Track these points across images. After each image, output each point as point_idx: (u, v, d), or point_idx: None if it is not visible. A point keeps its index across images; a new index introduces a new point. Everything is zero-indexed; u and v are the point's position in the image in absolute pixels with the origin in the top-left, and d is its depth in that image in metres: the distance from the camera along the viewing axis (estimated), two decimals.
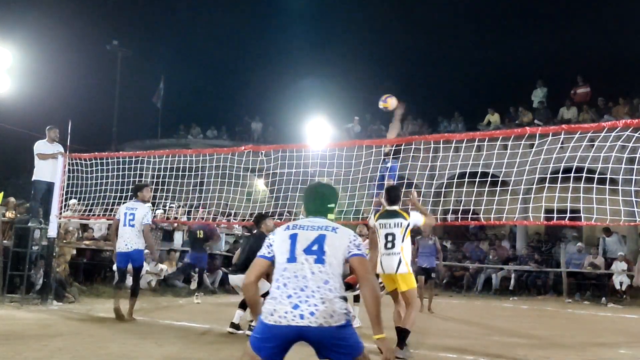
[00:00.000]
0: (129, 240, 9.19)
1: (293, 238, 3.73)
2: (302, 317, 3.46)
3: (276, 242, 3.81)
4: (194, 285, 13.42)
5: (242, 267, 8.14)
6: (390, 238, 6.99)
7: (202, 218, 11.34)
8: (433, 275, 12.48)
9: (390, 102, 8.79)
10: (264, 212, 9.58)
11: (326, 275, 3.58)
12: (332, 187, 4.24)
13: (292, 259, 3.65)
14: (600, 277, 16.88)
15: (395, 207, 7.20)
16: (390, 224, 7.05)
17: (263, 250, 3.87)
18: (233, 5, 36.65)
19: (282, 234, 3.82)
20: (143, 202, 9.40)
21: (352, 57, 33.88)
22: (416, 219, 7.14)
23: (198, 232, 12.55)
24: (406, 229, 7.01)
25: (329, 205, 4.02)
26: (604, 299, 16.13)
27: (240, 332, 8.24)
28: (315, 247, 3.66)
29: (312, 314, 3.46)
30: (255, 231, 8.81)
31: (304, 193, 4.12)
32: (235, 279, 8.43)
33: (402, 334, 6.86)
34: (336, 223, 3.92)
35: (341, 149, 10.17)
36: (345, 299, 3.63)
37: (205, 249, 12.40)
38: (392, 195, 7.30)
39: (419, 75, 32.47)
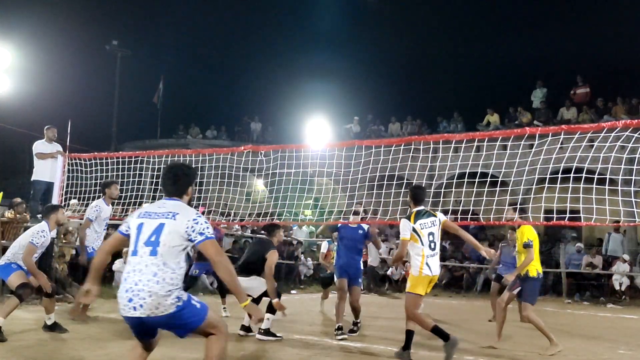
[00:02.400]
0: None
1: (139, 229, 4.02)
2: (134, 309, 3.85)
3: (131, 224, 4.12)
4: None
5: (242, 270, 8.13)
6: (431, 238, 6.89)
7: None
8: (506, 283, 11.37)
9: None
10: (274, 221, 9.43)
11: (156, 267, 3.88)
12: (189, 167, 4.40)
13: (134, 252, 3.99)
14: (599, 277, 16.88)
15: (424, 207, 7.11)
16: (428, 223, 6.92)
17: (122, 227, 4.17)
18: (232, 6, 36.65)
19: (135, 221, 4.10)
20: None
21: (351, 58, 33.90)
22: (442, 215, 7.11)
23: None
24: (439, 226, 6.97)
25: (181, 186, 4.23)
26: (603, 299, 16.14)
27: (250, 334, 8.22)
28: (153, 238, 3.93)
29: (141, 306, 3.83)
30: (264, 237, 8.71)
31: (161, 173, 4.32)
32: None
33: (409, 335, 6.86)
34: (184, 205, 4.16)
35: (340, 149, 10.16)
36: (175, 289, 3.92)
37: None
38: (421, 195, 7.17)
39: (418, 76, 32.48)
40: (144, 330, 4.01)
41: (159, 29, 35.99)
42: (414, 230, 6.88)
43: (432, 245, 6.88)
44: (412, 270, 6.90)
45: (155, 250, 3.90)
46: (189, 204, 4.27)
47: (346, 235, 8.74)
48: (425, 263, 6.83)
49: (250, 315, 4.17)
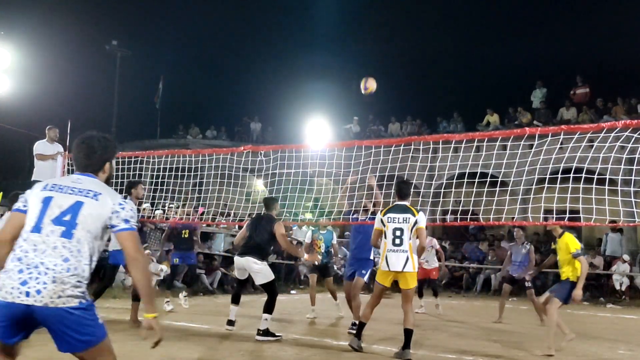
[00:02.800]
0: None
1: (46, 202, 3.31)
2: (27, 294, 3.09)
3: (30, 200, 3.38)
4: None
5: (250, 250, 8.15)
6: (398, 233, 6.92)
7: (182, 218, 11.19)
8: (529, 284, 10.99)
9: (371, 85, 8.79)
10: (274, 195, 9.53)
11: (68, 252, 3.19)
12: (106, 138, 3.68)
13: (36, 228, 3.25)
14: (599, 277, 16.89)
15: (406, 203, 7.17)
16: (399, 219, 6.98)
17: (18, 204, 3.42)
18: (232, 6, 36.66)
19: (38, 193, 3.37)
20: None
21: (351, 58, 33.92)
22: (423, 218, 7.11)
23: (183, 232, 12.34)
24: (414, 226, 6.95)
25: (97, 159, 3.56)
26: (602, 299, 16.14)
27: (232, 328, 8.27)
28: (67, 217, 3.26)
29: (38, 292, 3.09)
30: (263, 213, 8.63)
31: (73, 146, 3.64)
32: (242, 262, 8.21)
33: (407, 335, 6.86)
34: (103, 184, 3.50)
35: (340, 149, 10.16)
36: (83, 283, 3.23)
37: (193, 247, 12.13)
38: (404, 190, 7.26)
39: (418, 76, 32.49)
40: (23, 325, 3.21)
41: (158, 29, 36.02)
42: (382, 222, 7.08)
43: (397, 240, 6.92)
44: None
45: (70, 232, 3.22)
46: (107, 183, 3.62)
47: (362, 231, 8.78)
48: (384, 257, 6.99)
49: (150, 327, 3.37)
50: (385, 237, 7.03)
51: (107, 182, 3.61)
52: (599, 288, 16.86)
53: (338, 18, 34.45)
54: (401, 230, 6.92)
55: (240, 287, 8.89)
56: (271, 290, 8.13)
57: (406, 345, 6.83)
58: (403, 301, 7.02)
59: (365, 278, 8.82)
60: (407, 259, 6.86)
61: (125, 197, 3.53)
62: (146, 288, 3.38)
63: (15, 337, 3.24)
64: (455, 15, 34.61)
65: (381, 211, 7.22)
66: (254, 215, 8.76)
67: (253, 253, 8.10)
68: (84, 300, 3.19)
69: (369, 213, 8.65)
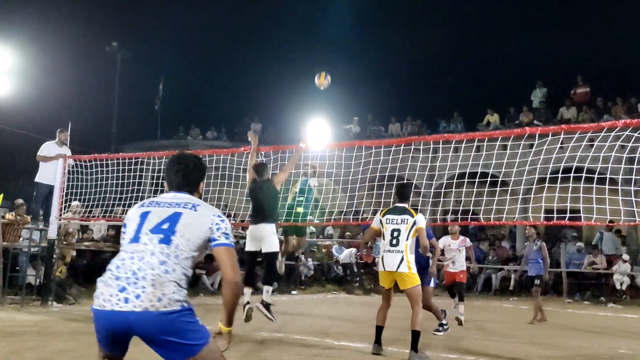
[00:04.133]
0: None
1: (143, 217, 3.27)
2: (127, 300, 2.95)
3: (130, 217, 3.35)
4: None
5: (262, 217, 8.10)
6: (395, 234, 6.98)
7: None
8: (537, 282, 11.31)
9: (324, 81, 8.77)
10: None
11: (166, 256, 3.10)
12: (199, 158, 3.68)
13: (135, 239, 3.20)
14: (600, 277, 16.89)
15: (405, 204, 7.23)
16: (397, 220, 7.04)
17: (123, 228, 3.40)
18: (232, 7, 36.67)
19: (137, 210, 3.36)
20: None
21: (351, 58, 33.91)
22: (422, 219, 7.15)
23: None
24: (412, 227, 6.99)
25: (193, 179, 3.54)
26: (603, 298, 16.15)
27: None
28: (165, 226, 3.20)
29: (137, 296, 2.95)
30: (259, 180, 8.56)
31: (166, 165, 3.64)
32: (257, 229, 8.11)
33: (414, 336, 6.86)
34: (210, 206, 3.43)
35: (340, 149, 10.16)
36: (183, 288, 3.12)
37: None
38: (403, 192, 7.34)
39: (418, 76, 32.50)
40: (123, 337, 3.10)
41: (158, 31, 35.98)
42: (380, 222, 7.15)
43: (394, 242, 6.97)
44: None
45: (168, 239, 3.15)
46: None
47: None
48: (381, 257, 7.11)
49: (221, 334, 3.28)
50: (384, 238, 7.08)
51: None
52: (599, 287, 16.85)
53: (338, 19, 34.45)
54: (398, 231, 6.97)
55: (252, 266, 8.63)
56: (273, 262, 8.30)
57: (413, 346, 6.82)
58: (410, 303, 7.03)
59: (432, 284, 8.98)
60: (402, 259, 6.89)
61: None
62: (233, 308, 3.27)
63: (114, 349, 3.14)
64: (455, 16, 34.63)
65: (381, 212, 7.25)
66: (251, 187, 8.55)
67: (266, 219, 8.13)
68: (185, 304, 3.06)
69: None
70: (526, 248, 11.69)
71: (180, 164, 3.53)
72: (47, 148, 11.68)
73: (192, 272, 3.26)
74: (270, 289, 8.20)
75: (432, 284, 8.95)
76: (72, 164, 11.50)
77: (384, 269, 7.00)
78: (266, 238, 8.14)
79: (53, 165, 11.40)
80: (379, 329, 7.13)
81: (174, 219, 3.22)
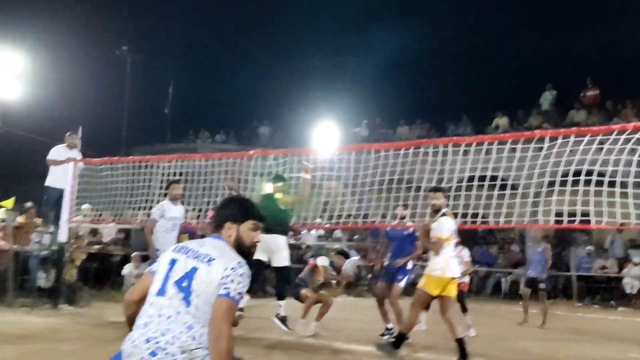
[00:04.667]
0: None
1: (171, 265, 3.23)
2: None
3: (162, 260, 3.34)
4: None
5: (275, 226, 7.92)
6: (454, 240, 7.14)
7: None
8: (542, 286, 11.35)
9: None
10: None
11: (192, 318, 3.07)
12: (251, 202, 3.63)
13: (161, 291, 3.17)
14: (610, 280, 16.79)
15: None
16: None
17: (153, 266, 3.39)
18: (241, 11, 36.76)
19: (168, 255, 3.33)
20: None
21: (360, 61, 33.91)
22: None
23: (181, 236, 12.36)
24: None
25: (220, 217, 3.44)
26: (613, 302, 16.05)
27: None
28: (185, 283, 3.14)
29: None
30: (263, 195, 8.57)
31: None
32: (268, 239, 7.92)
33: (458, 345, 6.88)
34: (226, 247, 3.33)
35: (349, 152, 10.15)
36: (206, 350, 3.08)
37: None
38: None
39: (426, 78, 32.47)
40: None
41: (168, 35, 36.14)
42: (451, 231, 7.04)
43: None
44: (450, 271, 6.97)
45: (188, 299, 3.11)
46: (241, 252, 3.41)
47: (394, 237, 8.84)
48: (449, 263, 7.01)
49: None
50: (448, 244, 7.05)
51: (242, 251, 3.40)
52: (609, 291, 16.75)
53: (346, 23, 34.50)
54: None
55: (257, 274, 8.33)
56: (287, 275, 8.28)
57: (462, 355, 6.83)
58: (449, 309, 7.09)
59: (402, 284, 8.79)
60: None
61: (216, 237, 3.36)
62: None
63: None
64: (464, 18, 34.57)
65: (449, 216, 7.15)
66: (257, 199, 8.55)
67: (279, 230, 8.13)
68: None
69: (398, 218, 8.76)
70: (529, 249, 11.66)
71: (233, 202, 3.55)
72: (57, 152, 11.74)
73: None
74: (284, 303, 8.25)
75: (402, 283, 8.76)
76: (81, 167, 11.55)
77: (453, 275, 6.97)
78: (277, 251, 8.15)
79: (63, 169, 11.44)
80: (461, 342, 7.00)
81: (190, 276, 3.16)
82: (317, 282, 9.50)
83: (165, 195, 9.43)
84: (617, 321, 12.82)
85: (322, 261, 9.70)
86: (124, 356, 3.11)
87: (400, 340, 7.09)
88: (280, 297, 8.36)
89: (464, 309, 10.13)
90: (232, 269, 3.16)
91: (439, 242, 6.87)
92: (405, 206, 8.86)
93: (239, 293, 3.15)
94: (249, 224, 3.44)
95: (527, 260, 11.59)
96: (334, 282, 9.73)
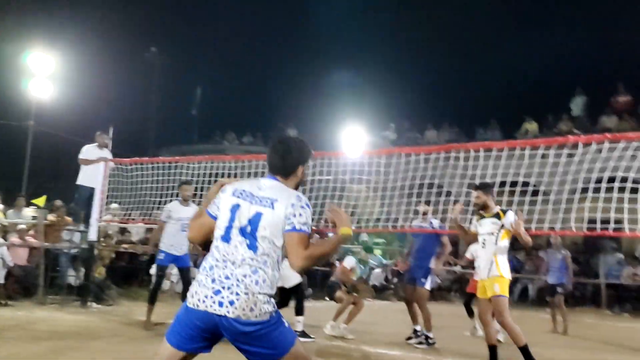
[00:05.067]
0: None
1: (234, 211, 3.26)
2: (221, 304, 3.08)
3: (222, 204, 3.35)
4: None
5: None
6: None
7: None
8: (560, 290, 11.30)
9: None
10: None
11: (257, 263, 3.15)
12: (303, 141, 3.59)
13: (226, 237, 3.23)
14: None
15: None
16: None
17: (211, 208, 3.39)
18: (270, 13, 36.94)
19: (228, 199, 3.33)
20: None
21: (387, 65, 33.83)
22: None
23: None
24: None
25: (293, 162, 3.44)
26: None
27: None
28: (249, 229, 3.20)
29: (231, 302, 3.07)
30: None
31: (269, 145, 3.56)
32: None
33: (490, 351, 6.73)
34: (283, 186, 3.35)
35: (378, 156, 10.13)
36: (273, 298, 3.20)
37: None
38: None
39: (454, 82, 32.25)
40: (211, 336, 3.19)
41: (197, 37, 36.40)
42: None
43: None
44: (504, 271, 6.66)
45: (254, 245, 3.17)
46: (297, 188, 3.46)
47: (416, 234, 8.87)
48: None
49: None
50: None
51: (297, 187, 3.47)
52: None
53: (374, 27, 34.45)
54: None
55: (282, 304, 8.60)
56: (302, 290, 8.54)
57: None
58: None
59: (427, 285, 8.75)
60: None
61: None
62: (321, 255, 3.29)
63: (199, 347, 3.21)
64: (492, 22, 34.27)
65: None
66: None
67: None
68: (274, 313, 3.17)
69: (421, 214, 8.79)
70: (548, 256, 11.55)
71: (281, 143, 3.50)
72: (88, 151, 11.88)
73: (280, 267, 3.28)
74: (302, 319, 8.53)
75: (427, 285, 8.69)
76: (112, 167, 11.68)
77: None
78: (285, 273, 8.22)
79: (95, 168, 11.58)
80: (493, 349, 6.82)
81: (255, 221, 3.21)
82: (350, 283, 9.54)
83: (177, 195, 9.43)
84: None
85: (349, 262, 9.72)
86: (189, 296, 3.19)
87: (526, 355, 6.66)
88: (298, 313, 8.60)
89: (470, 313, 10.20)
90: (292, 205, 3.21)
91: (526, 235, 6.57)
92: (428, 202, 8.82)
93: (304, 224, 3.20)
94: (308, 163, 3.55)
95: (548, 268, 11.42)
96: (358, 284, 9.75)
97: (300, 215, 3.21)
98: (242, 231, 3.21)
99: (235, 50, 37.17)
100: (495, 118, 23.54)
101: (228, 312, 3.06)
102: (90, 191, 11.53)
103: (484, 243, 6.75)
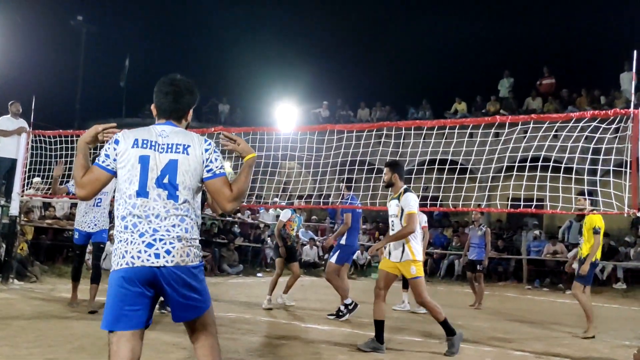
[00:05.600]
0: None
1: (144, 163, 3.10)
2: (157, 256, 3.01)
3: (124, 157, 3.13)
4: None
5: None
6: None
7: None
8: (479, 267, 11.59)
9: None
10: None
11: (182, 212, 3.09)
12: (192, 82, 3.41)
13: (142, 192, 3.07)
14: (559, 264, 17.30)
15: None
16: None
17: (105, 161, 3.17)
18: None
19: (131, 151, 3.12)
20: None
21: (321, 42, 33.78)
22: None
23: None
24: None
25: (184, 103, 3.31)
26: (561, 285, 16.54)
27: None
28: (166, 179, 3.09)
29: (168, 252, 3.02)
30: None
31: (155, 88, 3.35)
32: None
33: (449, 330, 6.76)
34: (193, 133, 3.24)
35: (311, 133, 10.13)
36: (198, 242, 3.19)
37: None
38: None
39: (387, 62, 32.58)
40: (152, 295, 3.08)
41: (125, 5, 35.28)
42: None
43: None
44: (417, 254, 6.55)
45: (174, 194, 3.07)
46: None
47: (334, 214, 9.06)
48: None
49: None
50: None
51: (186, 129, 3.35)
52: (558, 275, 17.24)
53: (308, 4, 34.27)
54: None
55: None
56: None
57: (449, 332, 6.76)
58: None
59: (333, 260, 8.98)
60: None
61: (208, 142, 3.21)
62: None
63: (143, 311, 3.07)
64: (424, 4, 34.70)
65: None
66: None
67: None
68: (202, 259, 3.20)
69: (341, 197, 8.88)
70: (470, 232, 11.89)
71: (172, 84, 3.32)
72: (4, 122, 11.44)
73: (200, 214, 3.26)
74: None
75: (333, 259, 8.95)
76: (33, 139, 11.23)
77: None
78: None
79: (13, 140, 11.19)
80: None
81: (171, 169, 3.11)
82: (292, 235, 9.86)
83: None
84: (566, 304, 13.20)
85: (285, 215, 9.83)
86: (117, 257, 3.06)
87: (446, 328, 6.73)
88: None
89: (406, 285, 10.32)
90: (206, 150, 3.18)
91: (413, 216, 6.41)
92: (349, 187, 8.88)
93: (221, 167, 3.20)
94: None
95: (468, 243, 11.77)
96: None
97: (215, 159, 3.18)
98: (159, 182, 3.09)
99: (166, 21, 36.27)
100: (427, 98, 23.94)
101: (167, 261, 3.01)
102: (10, 162, 11.08)
103: (392, 225, 6.68)
